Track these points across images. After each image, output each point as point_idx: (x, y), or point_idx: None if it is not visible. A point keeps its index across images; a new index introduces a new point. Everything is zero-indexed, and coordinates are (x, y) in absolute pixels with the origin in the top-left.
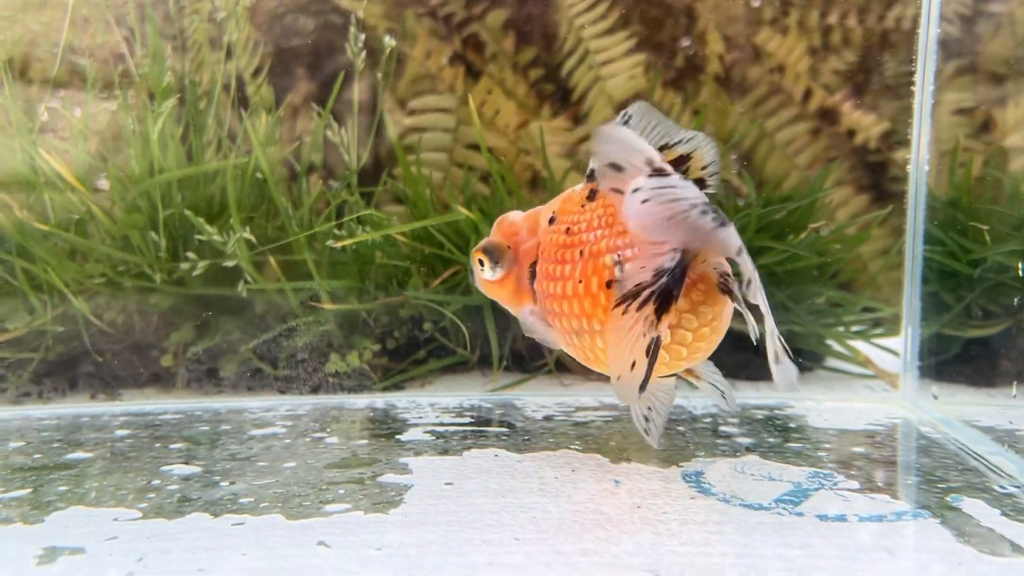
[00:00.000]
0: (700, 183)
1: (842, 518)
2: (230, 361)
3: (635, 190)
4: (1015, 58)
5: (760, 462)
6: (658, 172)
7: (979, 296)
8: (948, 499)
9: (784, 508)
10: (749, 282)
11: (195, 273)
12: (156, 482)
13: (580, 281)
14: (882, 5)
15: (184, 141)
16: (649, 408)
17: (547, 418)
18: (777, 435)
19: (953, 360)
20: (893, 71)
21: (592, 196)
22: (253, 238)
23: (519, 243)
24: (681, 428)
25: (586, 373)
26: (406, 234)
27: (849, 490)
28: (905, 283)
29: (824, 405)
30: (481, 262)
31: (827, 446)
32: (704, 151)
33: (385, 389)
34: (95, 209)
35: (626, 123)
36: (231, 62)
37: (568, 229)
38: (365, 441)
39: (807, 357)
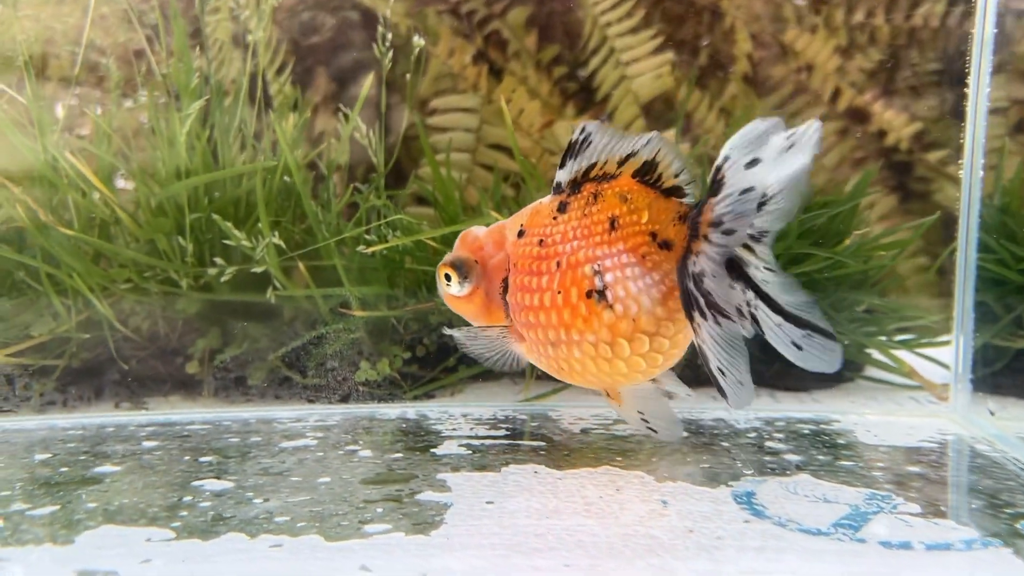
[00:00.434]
0: (677, 191)
1: (907, 546)
2: (258, 369)
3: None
4: None
5: (812, 482)
6: None
7: None
8: (1018, 526)
9: (844, 533)
10: None
11: (223, 279)
12: (188, 498)
13: (559, 292)
14: (909, 3)
15: (208, 142)
16: (640, 412)
17: (584, 431)
18: (826, 452)
19: (1004, 372)
20: (923, 69)
21: (563, 208)
22: (282, 243)
23: (486, 257)
24: (725, 443)
25: None
26: (435, 238)
27: (910, 514)
28: (956, 292)
29: (869, 418)
30: (448, 277)
31: (880, 465)
32: (667, 156)
33: (416, 398)
34: (120, 212)
35: (586, 139)
36: (253, 61)
37: (541, 241)
38: (400, 455)
39: (847, 367)
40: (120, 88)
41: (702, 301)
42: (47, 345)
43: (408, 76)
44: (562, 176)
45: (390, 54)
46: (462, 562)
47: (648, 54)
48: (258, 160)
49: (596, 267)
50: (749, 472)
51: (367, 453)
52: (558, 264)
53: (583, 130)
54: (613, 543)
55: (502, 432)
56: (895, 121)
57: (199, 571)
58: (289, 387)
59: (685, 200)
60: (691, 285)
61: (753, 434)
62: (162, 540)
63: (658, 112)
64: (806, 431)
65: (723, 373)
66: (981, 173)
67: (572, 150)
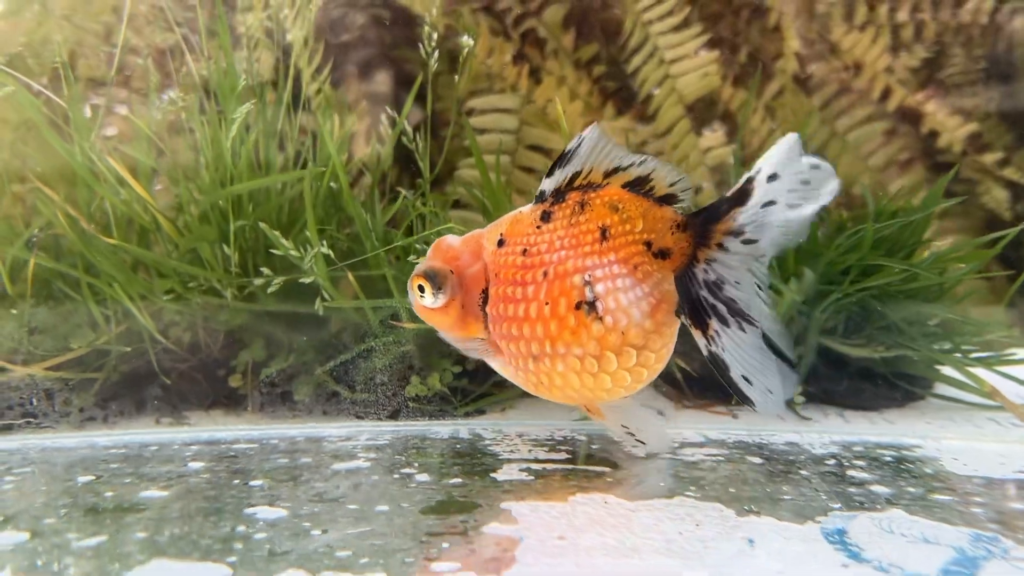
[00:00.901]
0: (671, 199)
1: None
2: (304, 383)
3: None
4: None
5: (908, 518)
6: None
7: None
8: None
9: None
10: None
11: (270, 290)
12: (241, 528)
13: (547, 303)
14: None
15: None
16: (624, 426)
17: (650, 455)
18: (915, 483)
19: None
20: (973, 68)
21: (546, 217)
22: (331, 252)
23: (462, 267)
24: (804, 472)
25: (680, 400)
26: None
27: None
28: None
29: (952, 444)
30: (421, 288)
31: (978, 500)
32: (661, 172)
33: (467, 414)
34: (161, 220)
35: (579, 146)
36: (291, 61)
37: (525, 251)
38: (458, 479)
39: (917, 384)
40: (155, 90)
41: (723, 309)
42: (84, 359)
43: (437, 76)
44: (547, 185)
45: (435, 55)
46: None
47: (693, 52)
48: (300, 166)
49: (586, 277)
50: (836, 506)
51: (424, 478)
52: (545, 274)
53: (579, 140)
54: None
55: (563, 456)
56: (949, 122)
57: None
58: (337, 402)
59: (679, 208)
60: (705, 293)
61: (832, 461)
62: None
63: (699, 111)
64: (888, 458)
65: (749, 381)
66: None
67: (563, 159)
